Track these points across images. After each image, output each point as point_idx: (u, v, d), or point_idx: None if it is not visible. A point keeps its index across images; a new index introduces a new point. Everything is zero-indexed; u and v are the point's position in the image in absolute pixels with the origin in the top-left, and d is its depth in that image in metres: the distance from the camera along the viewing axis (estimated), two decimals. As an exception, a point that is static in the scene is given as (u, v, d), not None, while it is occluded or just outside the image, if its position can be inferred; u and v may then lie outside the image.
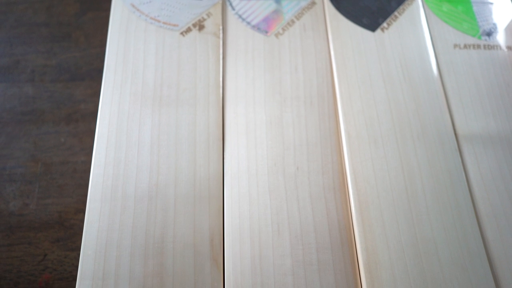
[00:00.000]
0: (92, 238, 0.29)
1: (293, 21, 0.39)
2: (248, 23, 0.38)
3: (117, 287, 0.28)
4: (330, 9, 0.40)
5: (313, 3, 0.40)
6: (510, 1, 0.42)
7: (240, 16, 0.39)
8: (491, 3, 0.42)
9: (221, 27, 0.38)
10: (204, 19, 0.38)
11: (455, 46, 0.39)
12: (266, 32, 0.38)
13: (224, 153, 0.33)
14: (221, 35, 0.38)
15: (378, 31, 0.39)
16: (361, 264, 0.30)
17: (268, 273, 0.29)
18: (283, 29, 0.39)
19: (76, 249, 0.36)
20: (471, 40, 0.40)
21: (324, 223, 0.31)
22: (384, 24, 0.39)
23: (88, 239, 0.29)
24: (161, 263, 0.29)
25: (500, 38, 0.40)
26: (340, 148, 0.34)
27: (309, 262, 0.30)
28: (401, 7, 0.40)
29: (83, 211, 0.37)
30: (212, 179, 0.32)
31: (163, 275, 0.29)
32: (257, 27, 0.38)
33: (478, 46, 0.39)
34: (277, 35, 0.38)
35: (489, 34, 0.40)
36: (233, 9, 0.39)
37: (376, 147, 0.34)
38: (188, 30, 0.37)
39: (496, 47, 0.39)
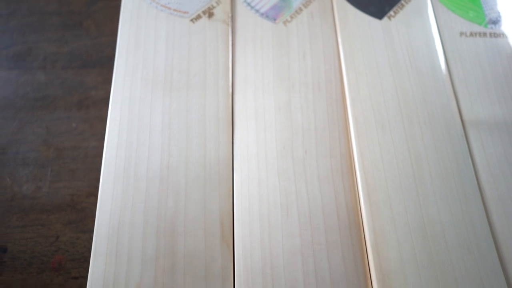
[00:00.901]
0: (105, 217, 0.30)
1: (300, 9, 0.39)
2: (257, 10, 0.39)
3: (130, 265, 0.29)
4: (337, -3, 0.40)
5: (321, -8, 0.41)
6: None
7: (248, 4, 0.39)
8: (498, -8, 0.42)
9: (230, 15, 0.39)
10: (214, 7, 0.39)
11: (461, 34, 0.40)
12: (274, 19, 0.39)
13: (234, 136, 0.34)
14: (230, 23, 0.38)
15: (385, 19, 0.39)
16: (369, 244, 0.30)
17: (277, 252, 0.30)
18: (291, 17, 0.39)
19: (87, 231, 0.36)
20: (477, 29, 0.40)
21: (332, 205, 0.32)
22: (391, 12, 0.40)
23: (101, 218, 0.30)
24: (172, 242, 0.30)
25: (506, 26, 0.40)
26: (347, 132, 0.35)
27: (318, 242, 0.30)
28: (408, -5, 0.41)
29: (94, 194, 0.37)
30: (222, 162, 0.33)
31: (175, 254, 0.29)
32: (265, 15, 0.39)
33: (484, 34, 0.40)
34: (285, 22, 0.39)
35: (495, 22, 0.40)
36: (242, -3, 0.40)
37: (383, 132, 0.34)
38: (198, 17, 0.38)
39: (502, 35, 0.40)
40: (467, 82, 0.37)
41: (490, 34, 0.40)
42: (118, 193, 0.31)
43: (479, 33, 0.40)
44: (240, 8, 0.39)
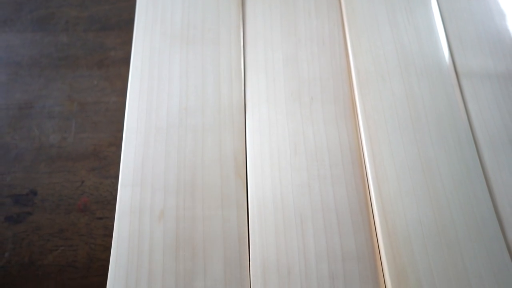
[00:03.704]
0: (130, 152, 0.33)
1: (306, -27, 0.42)
2: (265, -26, 0.42)
3: (154, 193, 0.32)
4: (340, -39, 0.43)
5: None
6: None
7: (257, -32, 0.42)
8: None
9: (240, -22, 0.41)
10: (225, -30, 0.41)
11: (456, -5, 0.42)
12: (282, -18, 0.42)
13: (245, 85, 0.37)
14: (240, -15, 0.41)
15: (385, -19, 0.42)
16: (370, 178, 0.33)
17: (286, 184, 0.33)
18: (297, -21, 0.42)
19: (109, 177, 0.39)
20: (471, -10, 0.43)
21: (336, 143, 0.35)
22: (390, -25, 0.43)
23: (127, 153, 0.33)
24: (192, 174, 0.33)
25: (498, -12, 0.43)
26: (350, 82, 0.37)
27: (323, 176, 0.33)
28: (405, -40, 0.44)
29: (115, 144, 0.40)
30: (235, 106, 0.36)
31: (194, 185, 0.32)
32: (273, -22, 0.42)
33: (477, -5, 0.42)
34: (291, -16, 0.42)
35: (487, -16, 0.43)
36: (251, -38, 0.42)
37: (383, 81, 0.37)
38: (211, -21, 0.41)
39: (494, -4, 0.43)
40: (461, 37, 0.40)
41: (483, -5, 0.42)
42: (141, 132, 0.34)
43: (473, -6, 0.42)
44: (249, -29, 0.42)
